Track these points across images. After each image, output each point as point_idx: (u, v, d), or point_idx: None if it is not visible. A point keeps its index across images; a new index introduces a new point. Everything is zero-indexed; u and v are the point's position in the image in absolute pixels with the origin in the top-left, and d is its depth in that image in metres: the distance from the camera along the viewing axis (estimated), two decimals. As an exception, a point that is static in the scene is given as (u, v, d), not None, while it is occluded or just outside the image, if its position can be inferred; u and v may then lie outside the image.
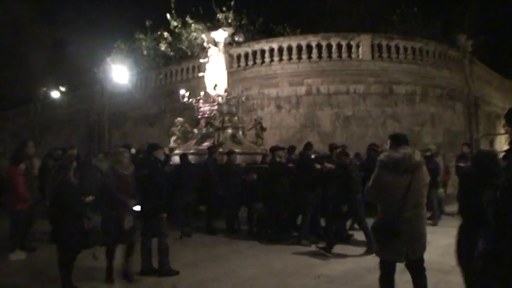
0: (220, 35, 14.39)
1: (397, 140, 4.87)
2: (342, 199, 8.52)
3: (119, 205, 6.53)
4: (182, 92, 14.10)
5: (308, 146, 10.25)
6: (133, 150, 12.63)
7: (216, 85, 13.81)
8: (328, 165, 9.72)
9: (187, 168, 10.70)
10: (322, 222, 9.97)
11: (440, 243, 9.39)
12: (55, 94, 29.21)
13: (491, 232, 4.97)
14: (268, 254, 8.48)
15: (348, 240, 9.15)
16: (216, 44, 14.37)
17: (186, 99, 14.03)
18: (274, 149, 10.19)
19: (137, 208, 6.75)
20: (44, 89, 30.20)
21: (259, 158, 13.06)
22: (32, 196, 8.54)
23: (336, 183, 8.88)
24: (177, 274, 6.97)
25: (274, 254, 8.42)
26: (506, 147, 3.79)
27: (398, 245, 4.63)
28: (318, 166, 9.72)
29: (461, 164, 13.22)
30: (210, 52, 14.27)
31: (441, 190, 12.55)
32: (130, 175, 6.83)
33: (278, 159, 9.95)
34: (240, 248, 9.08)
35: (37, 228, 8.97)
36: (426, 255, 7.73)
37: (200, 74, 15.31)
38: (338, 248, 8.37)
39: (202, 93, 14.15)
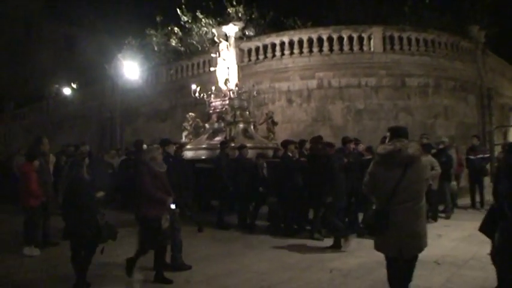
0: (231, 29, 14.37)
1: (395, 133, 4.74)
2: (325, 190, 8.50)
3: (157, 204, 6.39)
4: (193, 87, 14.12)
5: (318, 139, 10.07)
6: (145, 146, 12.66)
7: (227, 80, 13.81)
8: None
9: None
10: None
11: (453, 236, 9.37)
12: (67, 91, 29.36)
13: (508, 224, 4.96)
14: (281, 248, 8.47)
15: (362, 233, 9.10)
16: (226, 38, 14.36)
17: (197, 94, 14.03)
18: (286, 143, 10.16)
19: (173, 206, 6.66)
20: (56, 85, 30.36)
21: (270, 153, 13.03)
22: (45, 193, 8.58)
23: (319, 174, 8.80)
24: (190, 269, 6.99)
25: (287, 249, 8.42)
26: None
27: (389, 238, 4.51)
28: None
29: (471, 157, 13.14)
30: (221, 47, 14.27)
31: (454, 183, 12.46)
32: (164, 172, 6.69)
33: (290, 154, 9.93)
34: (253, 242, 9.08)
35: (51, 225, 9.01)
36: (439, 249, 7.79)
37: (211, 69, 15.31)
38: (353, 241, 8.35)
39: (213, 88, 14.15)
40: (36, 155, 8.67)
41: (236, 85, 13.82)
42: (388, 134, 4.83)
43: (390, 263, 4.71)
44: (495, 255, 5.27)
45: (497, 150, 15.20)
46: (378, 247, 4.71)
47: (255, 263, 7.46)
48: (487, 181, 13.39)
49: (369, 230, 4.79)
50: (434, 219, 10.94)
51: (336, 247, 8.29)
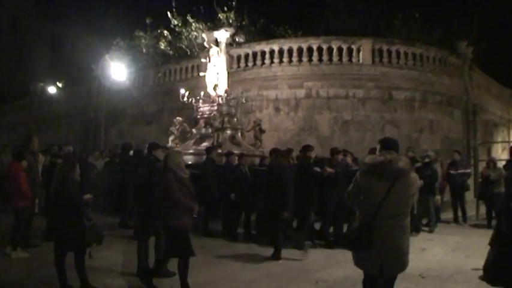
0: (222, 35, 14.34)
1: (385, 144, 4.59)
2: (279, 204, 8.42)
3: (184, 212, 6.11)
4: (182, 91, 14.04)
5: (308, 148, 10.06)
6: (131, 152, 12.54)
7: (216, 85, 13.76)
8: (329, 169, 9.68)
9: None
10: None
11: (437, 250, 9.41)
12: (52, 89, 29.02)
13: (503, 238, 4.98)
14: (267, 257, 8.41)
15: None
16: (217, 44, 14.32)
17: (185, 98, 13.95)
18: (274, 152, 10.13)
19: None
20: (42, 84, 29.98)
21: (257, 160, 13.00)
22: (33, 193, 8.43)
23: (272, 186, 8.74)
24: (174, 275, 6.90)
25: (272, 258, 8.36)
26: (504, 156, 3.77)
27: (370, 255, 4.30)
28: (318, 169, 9.67)
29: (452, 172, 13.26)
30: (211, 52, 14.21)
31: (438, 197, 12.53)
32: (189, 178, 6.38)
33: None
34: (238, 250, 9.02)
35: (33, 226, 8.86)
36: (423, 263, 7.81)
37: (201, 74, 15.26)
38: (338, 253, 8.34)
39: (202, 93, 14.09)
40: (25, 154, 8.52)
41: (225, 91, 13.78)
42: (378, 145, 4.69)
43: (368, 281, 4.51)
44: (489, 268, 5.26)
45: (481, 166, 15.36)
46: (357, 263, 4.51)
47: (240, 272, 7.40)
48: (470, 196, 13.52)
49: (350, 245, 4.54)
50: (417, 231, 10.99)
51: (276, 258, 8.24)
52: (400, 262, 4.37)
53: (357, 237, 4.38)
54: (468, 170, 13.94)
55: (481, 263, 6.19)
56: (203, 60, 15.03)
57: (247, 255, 8.66)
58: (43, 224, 6.27)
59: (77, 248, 6.04)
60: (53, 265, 6.09)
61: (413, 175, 4.53)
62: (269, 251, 8.69)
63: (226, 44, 14.84)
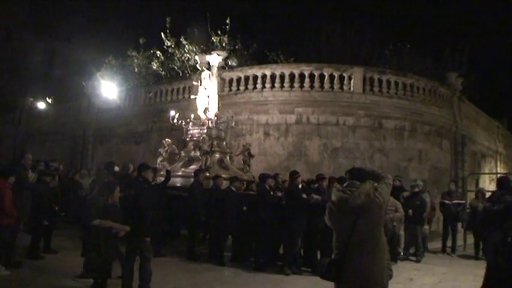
0: (214, 59, 14.36)
1: (349, 174, 4.82)
2: None
3: None
4: (172, 113, 13.96)
5: (294, 174, 10.05)
6: (116, 168, 12.42)
7: (206, 109, 13.73)
8: (315, 196, 9.65)
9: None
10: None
11: (424, 280, 9.36)
12: (41, 105, 28.83)
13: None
14: (253, 283, 8.31)
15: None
16: (209, 67, 14.33)
17: (175, 120, 13.90)
18: (263, 177, 10.14)
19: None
20: (31, 99, 29.78)
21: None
22: (23, 210, 8.25)
23: None
24: None
25: (257, 283, 8.26)
26: (492, 187, 3.77)
27: (348, 282, 4.43)
28: (305, 196, 9.65)
29: (447, 201, 13.26)
30: (203, 75, 14.21)
31: (426, 227, 12.53)
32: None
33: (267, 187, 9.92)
34: (224, 275, 8.91)
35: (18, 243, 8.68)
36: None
37: (192, 97, 15.23)
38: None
39: (192, 116, 14.04)
40: (12, 171, 8.36)
41: (215, 115, 13.75)
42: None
43: None
44: None
45: (469, 196, 15.41)
46: None
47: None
48: (457, 226, 13.51)
49: (324, 278, 4.64)
50: (395, 261, 10.92)
51: None
52: (378, 282, 4.46)
53: (328, 271, 4.51)
54: (463, 201, 13.91)
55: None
56: (194, 83, 15.03)
57: (233, 280, 8.55)
58: (26, 242, 6.13)
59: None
60: (33, 284, 5.97)
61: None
62: (256, 276, 8.60)
63: (218, 68, 14.86)
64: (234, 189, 10.47)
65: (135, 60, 22.53)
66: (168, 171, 11.06)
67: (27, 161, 9.02)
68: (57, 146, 25.32)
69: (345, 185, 4.76)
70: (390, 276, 4.63)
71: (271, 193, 10.02)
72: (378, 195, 4.46)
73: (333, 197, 4.62)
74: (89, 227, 6.29)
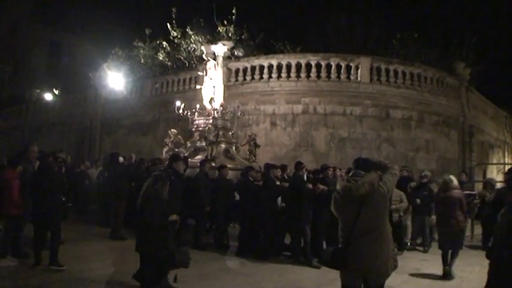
0: (220, 49, 14.31)
1: (354, 165, 4.85)
2: None
3: None
4: (178, 103, 13.95)
5: (299, 165, 9.99)
6: (121, 159, 12.45)
7: (212, 99, 13.70)
8: (321, 186, 9.60)
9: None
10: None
11: (431, 271, 9.28)
12: (48, 96, 28.87)
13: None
14: (259, 272, 8.29)
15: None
16: (215, 57, 14.28)
17: (181, 111, 13.87)
18: (268, 167, 10.11)
19: None
20: (38, 90, 29.83)
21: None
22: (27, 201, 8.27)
23: None
24: None
25: (263, 273, 8.25)
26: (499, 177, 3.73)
27: (351, 271, 4.47)
28: (310, 186, 9.61)
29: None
30: (208, 65, 14.17)
31: (433, 217, 12.42)
32: None
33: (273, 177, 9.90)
34: (230, 265, 8.88)
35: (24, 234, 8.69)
36: (417, 284, 7.69)
37: (197, 87, 15.20)
38: (332, 270, 8.21)
39: (197, 106, 14.02)
40: (20, 161, 8.37)
41: (221, 105, 13.71)
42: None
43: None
44: None
45: (477, 187, 15.29)
46: (342, 277, 4.63)
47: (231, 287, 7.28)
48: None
49: (329, 266, 4.69)
50: (401, 250, 10.91)
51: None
52: (383, 270, 4.48)
53: (333, 259, 4.55)
54: (474, 192, 13.75)
55: (475, 285, 6.10)
56: (200, 73, 14.99)
57: (238, 270, 8.53)
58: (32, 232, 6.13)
59: (163, 268, 5.93)
60: (40, 274, 5.96)
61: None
62: (262, 266, 8.59)
63: (224, 58, 14.82)
64: (251, 179, 10.39)
65: (141, 51, 22.55)
66: (185, 157, 10.93)
67: (32, 154, 8.97)
68: (64, 137, 25.40)
69: (350, 174, 4.78)
70: (395, 267, 4.59)
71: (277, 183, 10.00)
72: (382, 185, 4.46)
73: (338, 186, 4.67)
74: (156, 224, 6.05)
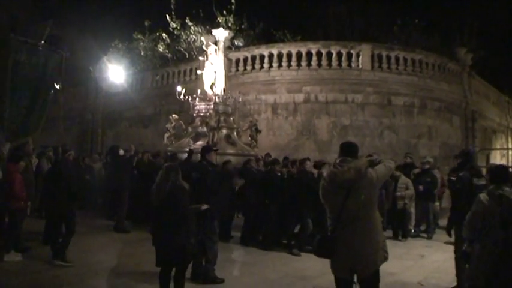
0: (221, 33, 14.19)
1: (341, 150, 4.64)
2: None
3: None
4: (179, 88, 13.80)
5: (304, 161, 10.16)
6: (121, 152, 12.44)
7: (213, 84, 13.61)
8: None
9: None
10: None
11: (436, 257, 9.30)
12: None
13: None
14: (262, 262, 8.31)
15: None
16: (215, 42, 14.18)
17: (182, 96, 13.79)
18: (273, 162, 10.27)
19: None
20: (38, 85, 29.76)
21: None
22: (28, 195, 8.29)
23: None
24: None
25: (268, 263, 8.26)
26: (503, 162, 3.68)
27: (338, 260, 4.35)
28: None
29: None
30: (209, 50, 14.05)
31: (437, 203, 12.43)
32: None
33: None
34: (234, 255, 8.92)
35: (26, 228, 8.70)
36: (422, 270, 7.70)
37: (198, 72, 15.04)
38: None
39: (199, 91, 13.92)
40: (22, 156, 8.39)
41: (223, 90, 13.64)
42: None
43: (340, 284, 4.49)
44: None
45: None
46: (331, 267, 4.52)
47: (236, 277, 7.32)
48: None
49: (316, 254, 4.57)
50: (405, 237, 10.92)
51: None
52: (371, 260, 4.33)
53: (319, 247, 4.45)
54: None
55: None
56: (201, 58, 14.89)
57: (242, 260, 8.56)
58: (34, 227, 6.12)
59: (181, 263, 5.73)
60: (45, 270, 5.95)
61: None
62: (266, 256, 8.60)
63: (224, 47, 14.73)
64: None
65: (141, 43, 22.48)
66: (191, 150, 10.89)
67: (27, 147, 9.08)
68: (66, 131, 25.37)
69: (337, 161, 4.56)
70: (385, 258, 4.43)
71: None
72: (370, 171, 4.34)
73: (324, 173, 4.53)
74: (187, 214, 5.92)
